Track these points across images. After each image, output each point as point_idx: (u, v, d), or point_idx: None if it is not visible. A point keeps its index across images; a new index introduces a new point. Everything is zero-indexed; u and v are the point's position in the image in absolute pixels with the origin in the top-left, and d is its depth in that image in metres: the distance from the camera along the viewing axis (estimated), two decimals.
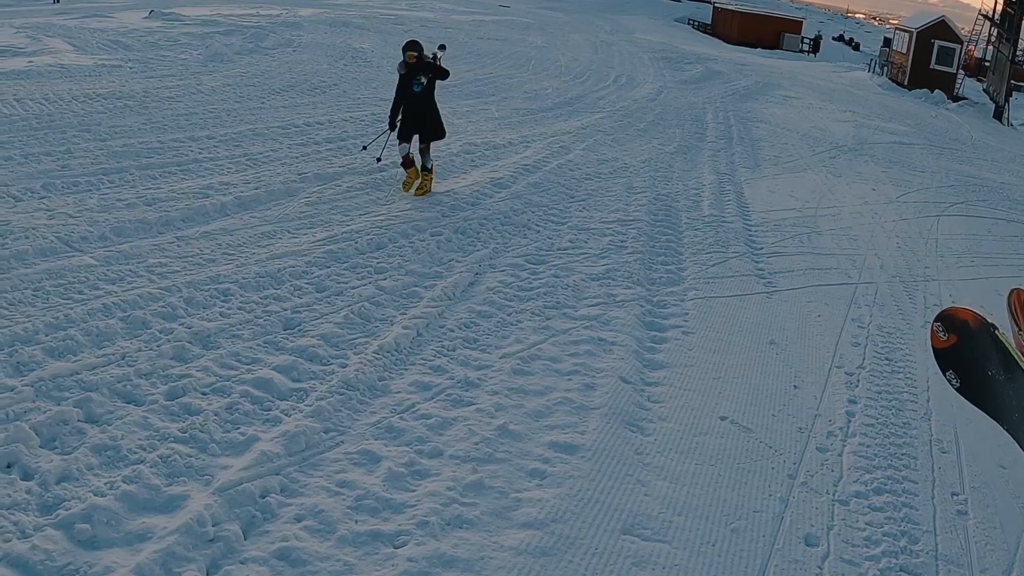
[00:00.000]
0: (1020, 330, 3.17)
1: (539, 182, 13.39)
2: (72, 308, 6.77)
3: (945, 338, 2.66)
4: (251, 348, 6.55)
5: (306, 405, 5.90)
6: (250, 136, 13.39)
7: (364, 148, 12.49)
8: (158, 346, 6.32)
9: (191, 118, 13.90)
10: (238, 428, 5.55)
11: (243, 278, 7.68)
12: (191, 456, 5.19)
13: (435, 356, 7.09)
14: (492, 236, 10.31)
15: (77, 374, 5.81)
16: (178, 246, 8.36)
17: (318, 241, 9.00)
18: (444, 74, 11.28)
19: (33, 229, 8.23)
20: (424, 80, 11.07)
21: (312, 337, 6.88)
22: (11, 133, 11.71)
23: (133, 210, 9.10)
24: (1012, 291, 3.43)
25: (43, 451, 5.08)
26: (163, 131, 12.89)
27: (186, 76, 17.45)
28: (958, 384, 2.72)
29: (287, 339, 6.81)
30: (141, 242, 8.33)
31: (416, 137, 11.19)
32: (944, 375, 2.81)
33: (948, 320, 2.68)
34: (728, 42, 54.64)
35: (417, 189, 11.30)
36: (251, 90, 16.92)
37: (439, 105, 11.54)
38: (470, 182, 12.76)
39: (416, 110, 11.22)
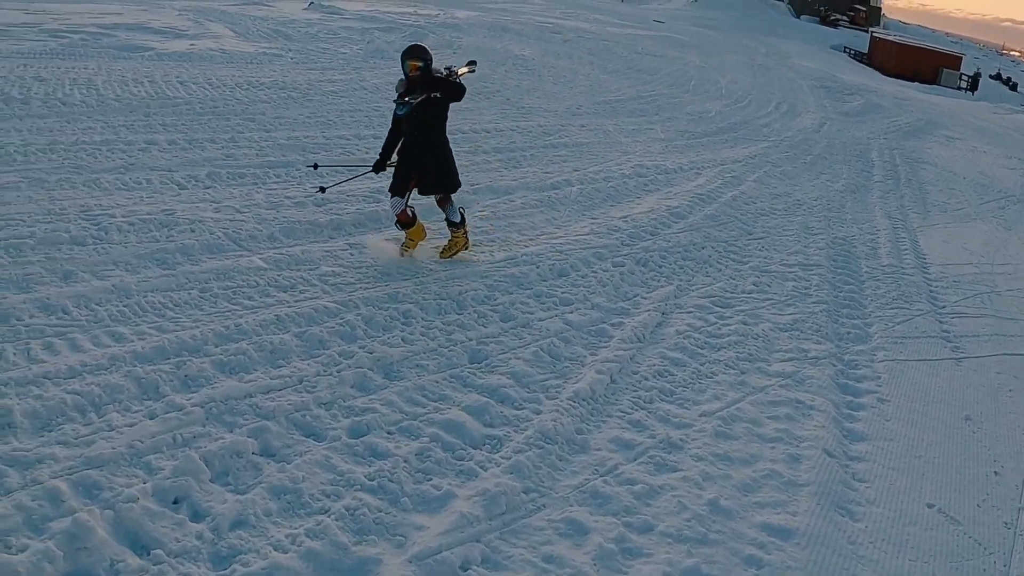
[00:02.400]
0: None
1: (715, 214, 12.58)
2: (242, 316, 6.26)
3: None
4: (437, 382, 5.91)
5: (503, 458, 5.22)
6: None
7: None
8: (338, 371, 5.74)
9: (355, 115, 13.51)
10: (430, 479, 4.90)
11: (424, 299, 7.07)
12: (381, 510, 4.56)
13: (632, 408, 6.36)
14: (675, 271, 9.54)
15: (251, 397, 5.26)
16: (350, 254, 7.82)
17: (498, 263, 8.35)
18: (456, 92, 7.61)
19: (199, 222, 7.83)
20: (402, 111, 7.54)
21: (501, 375, 6.21)
22: (175, 116, 11.47)
23: (302, 210, 8.62)
24: None
25: (215, 487, 4.52)
26: (328, 126, 12.50)
27: (348, 71, 17.18)
28: None
29: (475, 374, 6.15)
30: (312, 246, 7.83)
31: (417, 189, 7.95)
32: None
33: None
34: (885, 73, 52.65)
35: (444, 250, 8.22)
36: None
37: (452, 144, 8.30)
38: (646, 208, 12.02)
39: (412, 148, 7.73)
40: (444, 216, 8.17)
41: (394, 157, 7.86)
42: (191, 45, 16.97)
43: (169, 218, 7.80)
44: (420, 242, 8.12)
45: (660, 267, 9.63)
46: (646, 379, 6.89)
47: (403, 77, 7.53)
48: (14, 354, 5.44)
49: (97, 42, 15.68)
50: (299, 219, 8.29)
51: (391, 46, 20.78)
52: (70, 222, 7.48)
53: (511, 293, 7.84)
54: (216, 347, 5.81)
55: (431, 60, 7.48)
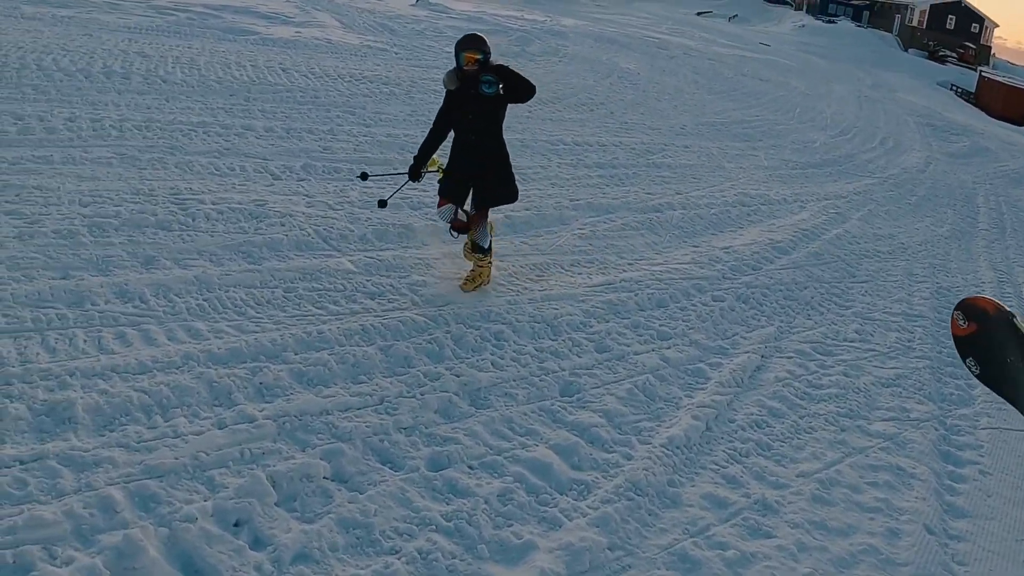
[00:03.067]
0: None
1: (819, 252, 11.97)
2: (326, 323, 5.91)
3: (965, 326, 2.59)
4: (526, 415, 5.48)
5: (589, 507, 4.77)
6: (518, 147, 12.50)
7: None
8: (422, 393, 5.34)
9: None
10: (511, 525, 4.47)
11: (516, 320, 6.64)
12: (455, 556, 4.15)
13: (727, 461, 5.87)
14: (776, 311, 8.99)
15: (328, 414, 4.89)
16: (444, 264, 7.41)
17: (595, 286, 7.91)
18: (525, 90, 6.43)
19: (290, 216, 7.51)
20: (491, 91, 6.36)
21: (593, 412, 5.76)
22: (275, 103, 11.24)
23: (397, 213, 8.25)
24: None
25: (280, 512, 4.14)
26: (427, 126, 12.14)
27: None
28: (978, 371, 2.60)
29: (566, 409, 5.71)
30: (404, 251, 7.45)
31: (470, 196, 6.94)
32: (964, 362, 2.64)
33: (968, 308, 2.63)
34: (991, 115, 50.83)
35: (466, 281, 7.07)
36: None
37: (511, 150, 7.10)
38: (748, 240, 11.46)
39: (471, 149, 6.67)
40: (468, 238, 6.99)
41: (437, 163, 7.10)
42: (297, 32, 16.83)
43: (259, 209, 7.50)
44: (489, 265, 7.23)
45: (761, 305, 9.10)
46: (743, 429, 6.40)
47: (455, 68, 6.57)
48: (84, 341, 5.16)
49: (204, 22, 15.62)
50: (392, 221, 7.93)
51: (495, 49, 20.37)
52: (157, 204, 7.22)
53: (608, 321, 7.39)
54: (296, 355, 5.46)
55: (490, 54, 6.52)
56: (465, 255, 7.07)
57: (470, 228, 6.90)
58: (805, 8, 70.08)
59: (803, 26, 65.54)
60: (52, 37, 12.32)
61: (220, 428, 4.62)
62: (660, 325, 7.67)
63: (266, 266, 6.58)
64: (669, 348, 7.27)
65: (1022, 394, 2.55)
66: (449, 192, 6.81)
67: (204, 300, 5.92)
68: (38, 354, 5.03)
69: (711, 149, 17.19)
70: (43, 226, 6.55)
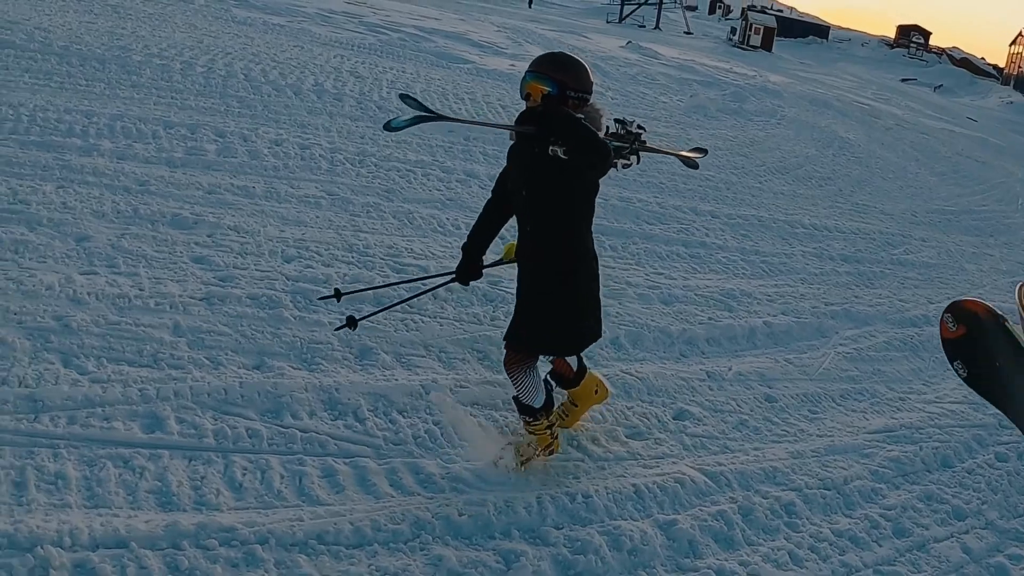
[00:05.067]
0: None
1: None
2: (588, 475, 4.39)
3: (954, 329, 2.51)
4: None
5: None
6: (756, 225, 10.78)
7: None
8: None
9: (689, 181, 11.53)
10: None
11: (805, 481, 5.01)
12: None
13: None
14: None
15: None
16: (710, 388, 5.76)
17: (875, 433, 6.15)
18: (589, 152, 3.66)
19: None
20: (559, 152, 3.71)
21: None
22: (498, 145, 9.85)
23: (648, 307, 6.63)
24: (1021, 285, 2.60)
25: None
26: (660, 191, 10.59)
27: (672, 124, 15.33)
28: (965, 374, 2.51)
29: None
30: (663, 366, 5.81)
31: None
32: (951, 365, 2.54)
33: (958, 311, 2.52)
34: None
35: (518, 454, 4.32)
36: (744, 161, 14.46)
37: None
38: None
39: (524, 247, 4.14)
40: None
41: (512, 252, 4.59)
42: (511, 65, 15.61)
43: (494, 290, 6.06)
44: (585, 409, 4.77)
45: None
46: None
47: (525, 111, 3.94)
48: (281, 478, 3.71)
49: (416, 45, 14.54)
50: (648, 320, 6.33)
51: (712, 104, 18.92)
52: (374, 270, 5.82)
53: (898, 488, 5.62)
54: (558, 530, 3.93)
55: (573, 90, 3.83)
56: (541, 441, 4.41)
57: (573, 379, 4.52)
58: (1012, 83, 65.99)
59: (1011, 102, 61.64)
60: (262, 46, 11.31)
61: None
62: (952, 495, 5.84)
63: (507, 383, 5.04)
64: (967, 532, 5.46)
65: (1011, 399, 2.48)
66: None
67: (434, 423, 4.41)
68: (218, 492, 3.60)
69: (947, 245, 15.11)
70: (237, 285, 5.25)
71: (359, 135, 8.68)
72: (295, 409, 4.32)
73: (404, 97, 3.93)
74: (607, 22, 29.59)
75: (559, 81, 3.83)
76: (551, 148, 3.71)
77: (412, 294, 5.23)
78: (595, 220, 7.67)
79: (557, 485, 4.33)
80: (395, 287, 5.50)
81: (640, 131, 4.39)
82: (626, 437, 4.99)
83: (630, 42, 23.94)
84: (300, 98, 9.39)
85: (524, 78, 3.89)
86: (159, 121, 7.93)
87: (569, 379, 4.49)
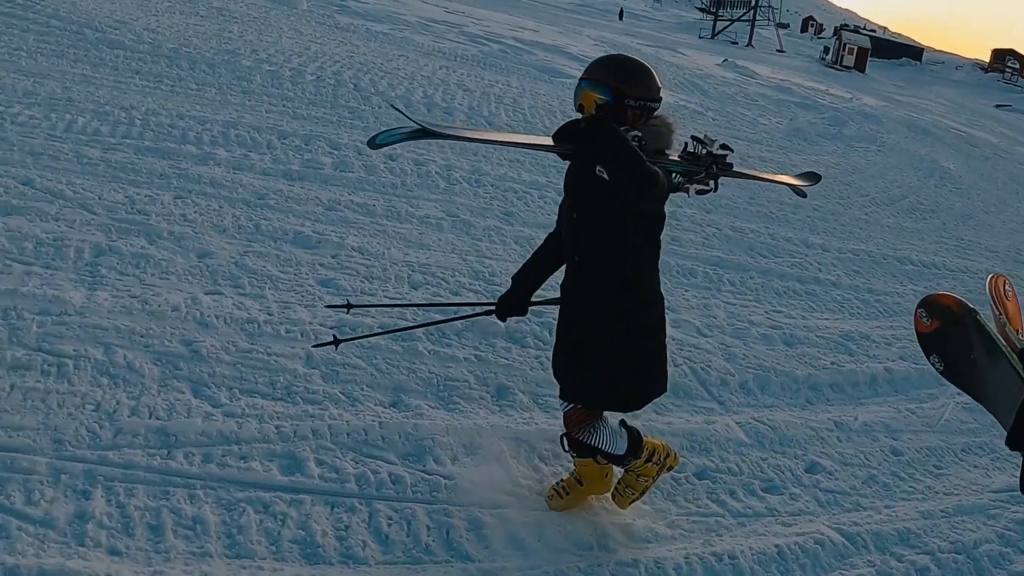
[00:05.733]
0: (999, 315, 2.95)
1: None
2: (730, 533, 4.16)
3: (928, 323, 2.68)
4: None
5: None
6: (867, 261, 10.30)
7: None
8: None
9: (798, 211, 11.10)
10: None
11: (937, 545, 4.65)
12: None
13: None
14: None
15: None
16: (838, 439, 5.41)
17: (999, 492, 5.70)
18: (630, 177, 3.02)
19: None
20: (605, 173, 3.10)
21: None
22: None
23: (771, 346, 6.29)
24: (992, 277, 3.19)
25: None
26: (771, 221, 10.18)
27: (774, 149, 14.92)
28: (942, 367, 2.73)
29: None
30: (793, 414, 5.49)
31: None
32: (928, 359, 2.75)
33: (931, 305, 2.71)
34: None
35: (617, 494, 3.88)
36: (847, 190, 13.97)
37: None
38: None
39: (568, 278, 3.52)
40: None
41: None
42: None
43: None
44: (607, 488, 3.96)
45: None
46: None
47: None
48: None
49: (517, 57, 14.32)
50: (774, 363, 5.97)
51: (812, 128, 18.45)
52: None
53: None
54: None
55: (634, 98, 3.24)
56: (565, 488, 3.92)
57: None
58: None
59: None
60: (368, 54, 11.15)
61: None
62: None
63: (643, 420, 4.74)
64: None
65: (986, 390, 2.56)
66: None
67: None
68: (365, 545, 3.39)
69: None
70: (367, 313, 4.98)
71: (472, 152, 8.43)
72: (437, 454, 4.05)
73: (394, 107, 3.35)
74: (699, 37, 29.22)
75: (615, 88, 3.20)
76: (598, 168, 3.13)
77: (445, 317, 4.82)
78: (711, 252, 7.34)
79: (702, 544, 4.03)
80: (425, 309, 5.14)
81: (724, 152, 3.57)
82: (763, 491, 4.68)
83: (726, 60, 23.54)
84: (411, 111, 9.14)
85: (578, 86, 3.29)
86: (273, 130, 7.75)
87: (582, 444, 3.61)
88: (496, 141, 4.18)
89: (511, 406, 4.58)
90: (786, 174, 5.05)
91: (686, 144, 3.50)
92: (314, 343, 4.52)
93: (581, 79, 3.30)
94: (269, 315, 4.75)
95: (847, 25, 49.24)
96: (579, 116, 3.29)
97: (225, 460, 3.71)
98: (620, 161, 3.00)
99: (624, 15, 30.01)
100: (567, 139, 3.26)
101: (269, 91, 8.97)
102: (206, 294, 4.89)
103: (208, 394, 4.09)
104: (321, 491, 3.67)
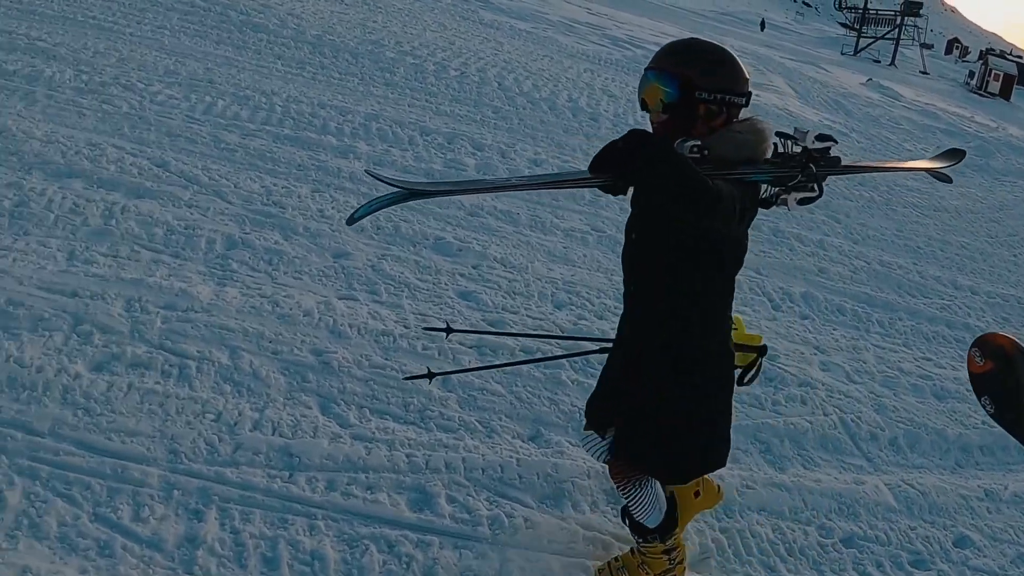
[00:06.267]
0: None
1: None
2: None
3: (982, 363, 2.44)
4: None
5: None
6: (1016, 308, 9.45)
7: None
8: None
9: (946, 248, 10.33)
10: None
11: None
12: None
13: None
14: None
15: None
16: (988, 510, 4.89)
17: None
18: (661, 186, 2.23)
19: (807, 385, 5.28)
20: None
21: None
22: None
23: (923, 401, 5.70)
24: None
25: None
26: (919, 256, 9.45)
27: (919, 176, 13.98)
28: (992, 410, 2.47)
29: None
30: (942, 478, 4.94)
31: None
32: (979, 400, 2.49)
33: (985, 345, 2.46)
34: None
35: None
36: (995, 228, 13.00)
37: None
38: None
39: (625, 301, 2.91)
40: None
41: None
42: (756, 96, 14.60)
43: (766, 361, 5.17)
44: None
45: None
46: None
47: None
48: None
49: None
50: (924, 418, 5.39)
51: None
52: None
53: None
54: None
55: (707, 90, 2.56)
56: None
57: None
58: None
59: None
60: (512, 52, 10.79)
61: None
62: None
63: (791, 475, 4.27)
64: None
65: None
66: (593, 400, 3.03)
67: (722, 531, 3.63)
68: None
69: None
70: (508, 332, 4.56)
71: None
72: (576, 499, 3.63)
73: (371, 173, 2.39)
74: (841, 54, 28.18)
75: (683, 78, 2.52)
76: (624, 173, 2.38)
77: (562, 353, 4.30)
78: (860, 287, 6.76)
79: None
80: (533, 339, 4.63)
81: (823, 144, 2.74)
82: (910, 565, 4.16)
83: (870, 79, 22.52)
84: (555, 114, 8.78)
85: (643, 78, 2.63)
86: (415, 126, 7.44)
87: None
88: (511, 187, 3.13)
89: None
90: (920, 159, 4.38)
91: (775, 146, 2.72)
92: (405, 376, 4.05)
93: (646, 69, 2.62)
94: (405, 328, 4.39)
95: (993, 49, 47.04)
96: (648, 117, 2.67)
97: (350, 489, 3.36)
98: (659, 177, 2.22)
99: (765, 26, 29.11)
100: (605, 167, 2.35)
101: (412, 85, 8.68)
102: (340, 299, 4.57)
103: (336, 412, 3.75)
104: (451, 532, 3.30)
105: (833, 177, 2.98)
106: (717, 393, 2.80)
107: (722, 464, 2.89)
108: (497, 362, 4.23)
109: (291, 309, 4.36)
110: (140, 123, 6.48)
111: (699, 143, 2.46)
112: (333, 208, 5.58)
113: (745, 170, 2.55)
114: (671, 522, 3.05)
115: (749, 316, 6.00)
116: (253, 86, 7.65)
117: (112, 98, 6.83)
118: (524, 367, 4.29)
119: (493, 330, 4.51)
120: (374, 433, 3.65)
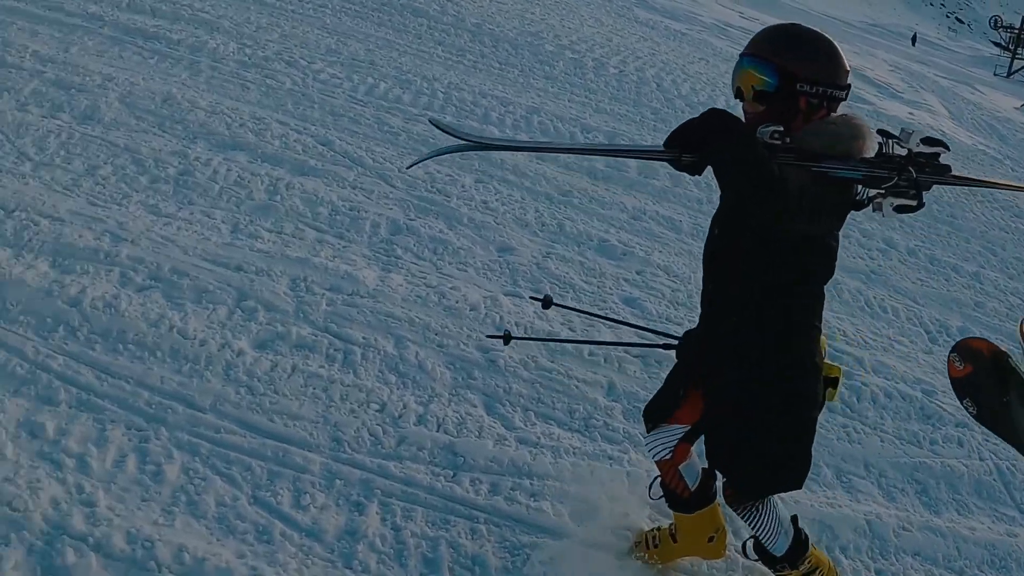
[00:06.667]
0: None
1: None
2: None
3: (961, 367, 2.59)
4: None
5: None
6: None
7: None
8: None
9: None
10: None
11: None
12: None
13: None
14: None
15: None
16: None
17: None
18: (728, 168, 2.12)
19: (964, 426, 4.83)
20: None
21: None
22: (911, 215, 8.51)
23: None
24: (1022, 320, 3.33)
25: None
26: None
27: None
28: (974, 412, 2.61)
29: None
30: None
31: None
32: (961, 403, 2.66)
33: (964, 350, 2.62)
34: None
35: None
36: None
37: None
38: None
39: (704, 311, 2.68)
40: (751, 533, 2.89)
41: None
42: (910, 114, 14.06)
43: (931, 403, 4.94)
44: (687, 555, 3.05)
45: None
46: None
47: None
48: None
49: None
50: None
51: None
52: None
53: None
54: None
55: (810, 82, 2.32)
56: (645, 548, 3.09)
57: (701, 502, 2.90)
58: None
59: None
60: (668, 53, 10.56)
61: None
62: None
63: (946, 519, 4.01)
64: None
65: (1019, 432, 2.46)
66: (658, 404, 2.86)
67: (877, 571, 3.42)
68: None
69: None
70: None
71: (684, 200, 7.70)
72: (737, 527, 3.43)
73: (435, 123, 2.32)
74: (994, 75, 26.96)
75: (783, 68, 2.32)
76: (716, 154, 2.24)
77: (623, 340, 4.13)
78: (1015, 327, 6.35)
79: None
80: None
81: (931, 150, 2.39)
82: None
83: None
84: None
85: (737, 64, 2.42)
86: (575, 122, 7.31)
87: (682, 499, 2.86)
88: (577, 150, 3.45)
89: (814, 479, 3.90)
90: None
91: (880, 146, 2.41)
92: (488, 334, 3.96)
93: (742, 55, 2.42)
94: (572, 331, 4.26)
95: None
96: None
97: (514, 495, 3.25)
98: (717, 153, 2.13)
99: (916, 40, 28.04)
100: (676, 141, 2.22)
101: (572, 80, 8.53)
102: (506, 295, 4.46)
103: (501, 412, 3.64)
104: (612, 548, 3.15)
105: (991, 208, 2.83)
106: (799, 409, 2.56)
107: (798, 486, 2.66)
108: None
109: (457, 302, 4.28)
110: (303, 100, 6.49)
111: (781, 129, 2.26)
112: (497, 200, 5.49)
113: (830, 164, 2.31)
114: (801, 545, 2.79)
115: (907, 347, 5.70)
116: (414, 70, 7.61)
117: (275, 73, 6.87)
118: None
119: (552, 338, 4.27)
120: (539, 438, 3.54)
